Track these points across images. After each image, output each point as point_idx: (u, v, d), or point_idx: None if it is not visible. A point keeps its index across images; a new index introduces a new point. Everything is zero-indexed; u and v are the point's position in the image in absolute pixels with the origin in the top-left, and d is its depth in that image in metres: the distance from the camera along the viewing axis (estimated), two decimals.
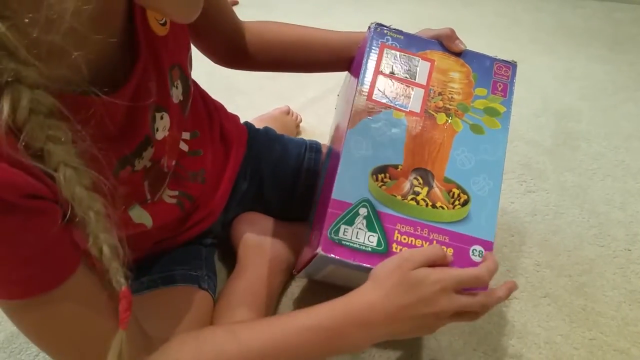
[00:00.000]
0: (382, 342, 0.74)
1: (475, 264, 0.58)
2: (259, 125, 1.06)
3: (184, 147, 0.67)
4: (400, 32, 0.67)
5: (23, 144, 0.36)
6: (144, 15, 0.50)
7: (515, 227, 0.95)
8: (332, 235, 0.57)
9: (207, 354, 0.51)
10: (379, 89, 0.64)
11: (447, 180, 0.61)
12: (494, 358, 0.72)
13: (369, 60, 0.66)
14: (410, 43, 0.67)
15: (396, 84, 0.65)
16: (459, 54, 0.67)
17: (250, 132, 0.88)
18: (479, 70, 0.67)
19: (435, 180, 0.61)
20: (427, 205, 0.60)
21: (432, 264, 0.54)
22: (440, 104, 0.64)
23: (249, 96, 1.43)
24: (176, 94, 0.60)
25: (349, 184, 0.60)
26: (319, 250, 0.57)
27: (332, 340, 0.52)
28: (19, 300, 0.41)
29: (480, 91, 0.66)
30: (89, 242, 0.41)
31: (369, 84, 0.65)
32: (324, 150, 0.88)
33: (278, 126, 1.15)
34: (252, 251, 0.80)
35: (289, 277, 0.82)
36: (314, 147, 0.89)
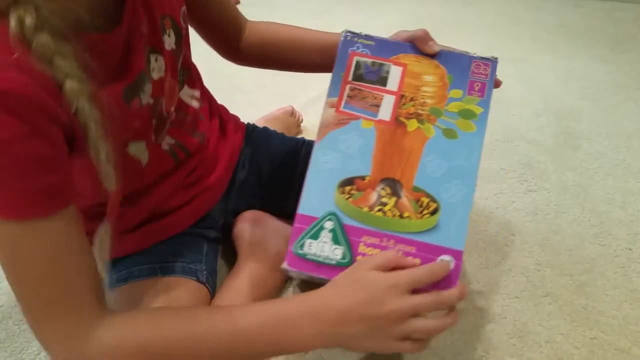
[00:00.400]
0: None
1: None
2: (261, 124, 1.07)
3: (193, 103, 0.76)
4: (371, 37, 0.66)
5: (34, 53, 0.42)
6: None
7: (516, 227, 0.95)
8: (297, 250, 0.59)
9: (167, 331, 0.52)
10: (347, 100, 0.63)
11: (416, 189, 0.60)
12: (494, 357, 0.72)
13: (338, 70, 0.65)
14: (382, 48, 0.65)
15: (365, 92, 0.64)
16: (434, 56, 0.65)
17: (248, 127, 0.91)
18: (455, 70, 0.64)
19: (403, 190, 0.60)
20: (394, 216, 0.59)
21: (390, 267, 0.54)
22: (412, 110, 0.63)
23: (250, 95, 1.43)
24: (169, 42, 0.65)
25: (315, 198, 0.60)
26: (284, 265, 0.59)
27: (283, 329, 0.53)
28: (12, 220, 0.45)
29: (456, 93, 0.64)
30: (89, 148, 0.47)
31: (337, 95, 0.64)
32: None
33: (281, 126, 1.15)
34: (253, 249, 0.81)
35: (289, 276, 0.82)
36: (313, 142, 0.89)
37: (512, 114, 1.29)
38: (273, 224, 0.85)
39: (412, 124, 0.62)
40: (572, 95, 1.39)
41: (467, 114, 0.63)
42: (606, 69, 1.53)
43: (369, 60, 0.65)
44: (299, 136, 1.24)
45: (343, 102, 0.64)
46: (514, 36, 1.77)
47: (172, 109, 0.68)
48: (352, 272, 0.55)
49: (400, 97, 0.63)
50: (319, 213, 0.59)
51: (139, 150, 0.64)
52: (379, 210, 0.59)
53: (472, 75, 0.64)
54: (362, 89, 0.64)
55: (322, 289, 0.55)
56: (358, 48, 0.66)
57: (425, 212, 0.59)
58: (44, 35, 0.42)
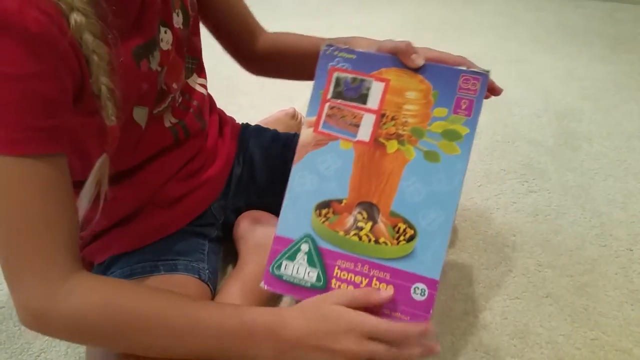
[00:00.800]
0: None
1: (417, 303, 0.56)
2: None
3: (202, 90, 0.79)
4: (351, 51, 0.62)
5: None
6: None
7: (517, 227, 0.95)
8: (274, 271, 0.59)
9: (124, 303, 0.52)
10: (326, 119, 0.61)
11: (393, 214, 0.58)
12: (495, 358, 0.72)
13: (317, 88, 0.62)
14: (363, 62, 0.62)
15: (345, 111, 0.61)
16: (420, 69, 0.61)
17: (242, 125, 0.93)
18: (441, 86, 0.60)
19: (380, 215, 0.59)
20: (369, 240, 0.58)
21: (358, 305, 0.54)
22: (393, 130, 0.60)
23: (250, 96, 1.43)
24: (177, 20, 0.68)
25: (292, 220, 0.60)
26: (262, 284, 0.60)
27: (241, 338, 0.53)
28: (3, 154, 0.46)
29: (440, 112, 0.60)
30: (91, 80, 0.50)
31: (316, 114, 0.62)
32: None
33: (281, 128, 1.15)
34: (253, 249, 0.81)
35: None
36: None
37: (512, 115, 1.29)
38: (274, 223, 0.85)
39: (392, 145, 0.60)
40: (573, 96, 1.39)
41: (451, 135, 0.59)
42: (607, 69, 1.53)
43: (349, 76, 0.62)
44: None
45: (322, 122, 0.62)
46: (515, 36, 1.77)
47: (174, 85, 0.70)
48: (321, 303, 0.55)
49: (381, 116, 0.60)
50: (296, 235, 0.59)
51: (140, 116, 0.65)
52: (355, 234, 0.59)
53: (460, 91, 0.60)
54: (342, 107, 0.61)
55: (288, 310, 0.55)
56: (338, 63, 0.62)
57: (401, 238, 0.58)
58: None
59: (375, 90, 0.61)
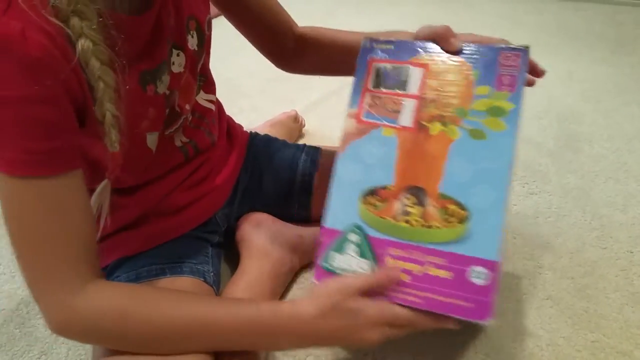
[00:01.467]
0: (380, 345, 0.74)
1: (477, 288, 0.53)
2: (265, 129, 1.07)
3: (211, 106, 0.78)
4: (389, 41, 0.63)
5: (59, 12, 0.45)
6: None
7: (517, 229, 0.95)
8: (324, 264, 0.58)
9: (140, 311, 0.54)
10: (367, 108, 0.62)
11: (443, 197, 0.57)
12: None
13: (357, 80, 0.63)
14: (401, 50, 0.62)
15: (385, 99, 0.61)
16: (458, 52, 0.61)
17: (251, 134, 0.92)
18: (481, 65, 0.60)
19: (428, 198, 0.57)
20: (420, 225, 0.56)
21: (370, 289, 0.55)
22: (435, 112, 0.59)
23: (252, 99, 1.44)
24: (192, 42, 0.67)
25: (339, 211, 0.59)
26: (313, 280, 0.58)
27: (261, 336, 0.56)
28: (16, 176, 0.47)
29: (482, 90, 0.59)
30: (95, 109, 0.50)
31: (357, 104, 0.62)
32: (329, 151, 0.89)
33: (284, 131, 1.16)
34: (255, 252, 0.81)
35: (292, 279, 0.82)
36: (313, 147, 0.91)
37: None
38: (276, 226, 0.85)
39: (435, 127, 0.59)
40: (574, 98, 1.39)
41: (496, 112, 0.58)
42: (607, 71, 1.53)
43: (388, 65, 0.62)
44: (301, 140, 1.25)
45: (363, 112, 0.62)
46: (515, 39, 1.76)
47: (187, 106, 0.70)
48: (335, 295, 0.54)
49: (422, 100, 0.60)
50: (344, 226, 0.58)
51: (152, 141, 0.65)
52: (404, 220, 0.57)
53: (501, 68, 0.59)
54: (382, 95, 0.62)
55: (301, 303, 0.55)
56: (377, 54, 0.63)
57: (453, 220, 0.55)
58: None
59: (415, 76, 0.61)
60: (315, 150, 0.90)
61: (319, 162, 0.87)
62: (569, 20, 1.94)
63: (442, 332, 0.75)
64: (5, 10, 0.43)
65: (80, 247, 0.52)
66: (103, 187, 0.56)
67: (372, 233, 0.57)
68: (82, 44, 0.47)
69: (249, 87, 1.47)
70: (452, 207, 0.56)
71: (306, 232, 0.85)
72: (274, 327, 0.55)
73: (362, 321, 0.53)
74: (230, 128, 0.87)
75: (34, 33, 0.44)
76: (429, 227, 0.56)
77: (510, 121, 0.58)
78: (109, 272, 0.71)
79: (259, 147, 0.90)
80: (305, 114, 1.29)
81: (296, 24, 0.83)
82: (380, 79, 0.62)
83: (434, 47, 0.62)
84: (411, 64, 0.62)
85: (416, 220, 0.56)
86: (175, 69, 0.65)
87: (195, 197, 0.77)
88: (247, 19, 0.78)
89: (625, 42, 1.74)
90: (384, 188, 0.58)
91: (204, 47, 0.71)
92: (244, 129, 0.93)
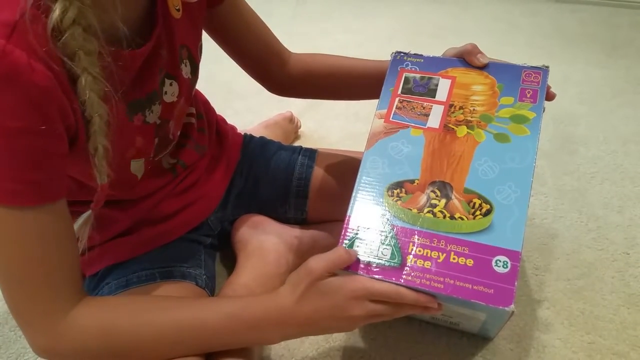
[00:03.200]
0: (379, 346, 0.74)
1: (499, 276, 0.55)
2: (261, 130, 1.07)
3: (191, 120, 0.77)
4: (419, 55, 0.68)
5: (61, 45, 0.45)
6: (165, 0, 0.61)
7: None
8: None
9: (125, 324, 0.55)
10: (396, 111, 0.65)
11: (468, 191, 0.60)
12: None
13: (387, 86, 0.67)
14: (430, 64, 0.67)
15: (414, 103, 0.65)
16: (483, 68, 0.66)
17: (246, 137, 0.91)
18: (505, 79, 0.65)
19: (454, 192, 0.60)
20: (444, 216, 0.59)
21: (337, 267, 0.57)
22: (461, 117, 0.64)
23: (247, 101, 1.43)
24: (185, 70, 0.68)
25: (365, 201, 0.61)
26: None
27: (248, 331, 0.57)
28: (3, 204, 0.47)
29: (507, 100, 0.64)
30: (89, 142, 0.50)
31: (387, 106, 0.66)
32: (325, 153, 0.89)
33: (279, 132, 1.15)
34: (252, 253, 0.81)
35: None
36: (309, 149, 0.91)
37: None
38: (272, 227, 0.85)
39: (462, 130, 0.63)
40: (569, 100, 1.40)
41: (519, 119, 0.63)
42: (603, 73, 1.54)
43: (418, 75, 0.67)
44: (297, 142, 1.25)
45: (392, 113, 0.65)
46: (511, 41, 1.77)
47: (177, 133, 0.71)
48: (307, 278, 0.56)
49: (449, 106, 0.64)
50: (368, 215, 0.60)
51: (137, 168, 0.66)
52: (429, 211, 0.59)
53: (523, 83, 0.65)
54: (411, 100, 0.66)
55: (279, 293, 0.58)
56: (407, 65, 0.68)
57: (477, 213, 0.58)
58: (78, 28, 0.45)
59: (443, 86, 0.66)
60: (311, 153, 0.89)
61: (316, 165, 0.87)
62: (565, 22, 1.94)
63: (439, 334, 0.75)
64: (10, 36, 0.42)
65: (63, 272, 0.52)
66: (86, 218, 0.57)
67: (395, 222, 0.59)
68: (85, 79, 0.47)
69: (244, 89, 1.47)
70: (477, 200, 0.59)
71: (303, 233, 0.84)
72: (258, 320, 0.57)
73: (342, 297, 0.55)
74: (220, 130, 0.87)
75: (39, 64, 0.44)
76: (454, 218, 0.58)
77: (533, 128, 0.62)
78: (99, 279, 0.71)
79: (255, 151, 0.89)
80: (301, 116, 1.29)
81: (289, 53, 0.83)
82: (410, 86, 0.67)
83: (461, 62, 0.67)
84: (441, 75, 0.67)
85: (441, 212, 0.59)
86: (168, 98, 0.65)
87: (184, 204, 0.76)
88: (237, 48, 0.79)
89: (621, 44, 1.74)
90: (410, 182, 0.61)
91: (196, 73, 0.72)
92: (239, 131, 0.93)
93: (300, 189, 0.86)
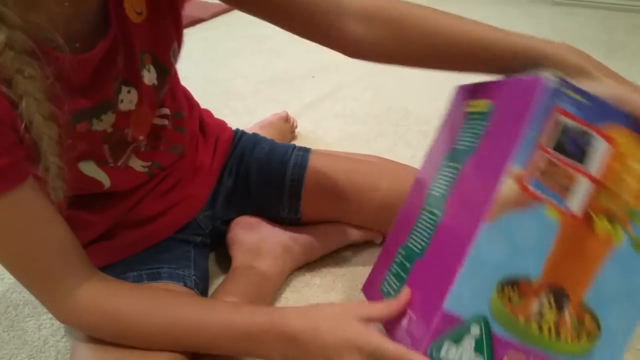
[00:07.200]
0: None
1: None
2: (256, 130, 1.06)
3: (164, 122, 0.72)
4: (586, 94, 0.48)
5: None
6: (120, 2, 0.57)
7: None
8: (433, 353, 0.49)
9: (139, 306, 0.57)
10: (537, 175, 0.48)
11: (583, 307, 0.49)
12: None
13: (531, 127, 0.47)
14: (595, 111, 0.48)
15: (560, 168, 0.48)
16: None
17: (237, 133, 0.89)
18: None
19: (569, 304, 0.50)
20: (550, 333, 0.49)
21: (376, 320, 0.53)
22: (606, 204, 0.49)
23: (244, 101, 1.43)
24: (148, 77, 0.64)
25: (468, 294, 0.48)
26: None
27: (248, 342, 0.56)
28: None
29: None
30: (40, 161, 0.48)
31: (526, 164, 0.47)
32: (319, 153, 0.88)
33: (275, 132, 1.15)
34: (247, 255, 0.80)
35: (283, 282, 0.82)
36: (303, 148, 0.88)
37: None
38: (268, 229, 0.84)
39: (603, 225, 0.49)
40: None
41: None
42: None
43: (576, 126, 0.48)
44: (293, 142, 1.24)
45: (532, 178, 0.48)
46: None
47: (141, 137, 0.67)
48: (338, 318, 0.53)
49: (598, 185, 0.49)
50: (468, 314, 0.48)
51: (90, 170, 0.63)
52: (536, 323, 0.49)
53: None
54: (556, 162, 0.48)
55: (293, 315, 0.55)
56: (565, 103, 0.48)
57: (583, 335, 0.50)
58: (11, 52, 0.43)
59: (598, 150, 0.49)
60: (305, 153, 0.86)
61: (309, 165, 0.85)
62: (562, 25, 1.95)
63: None
64: None
65: (59, 250, 0.54)
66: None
67: (496, 329, 0.48)
68: (26, 102, 0.45)
69: (242, 89, 1.46)
70: (588, 321, 0.50)
71: (298, 235, 0.84)
72: (266, 337, 0.55)
73: (346, 344, 0.51)
74: (204, 126, 0.83)
75: None
76: (559, 337, 0.50)
77: None
78: None
79: (246, 148, 0.87)
80: (297, 116, 1.29)
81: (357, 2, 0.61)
82: (562, 139, 0.48)
83: (626, 119, 0.50)
84: (599, 133, 0.49)
85: (548, 327, 0.50)
86: (124, 106, 0.62)
87: (166, 206, 0.74)
88: (277, 15, 0.63)
89: (617, 47, 1.75)
90: (527, 280, 0.49)
91: (167, 78, 0.67)
92: (227, 127, 0.89)
93: (294, 190, 0.84)
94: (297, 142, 1.24)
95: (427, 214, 0.57)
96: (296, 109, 1.33)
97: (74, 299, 0.54)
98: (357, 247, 0.88)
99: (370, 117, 1.34)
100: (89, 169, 0.63)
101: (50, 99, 0.47)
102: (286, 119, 1.23)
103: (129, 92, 0.62)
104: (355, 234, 0.87)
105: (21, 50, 0.44)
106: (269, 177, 0.85)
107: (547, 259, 0.49)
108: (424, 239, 0.55)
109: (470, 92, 0.60)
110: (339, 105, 1.40)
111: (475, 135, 0.54)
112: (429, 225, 0.55)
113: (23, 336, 0.76)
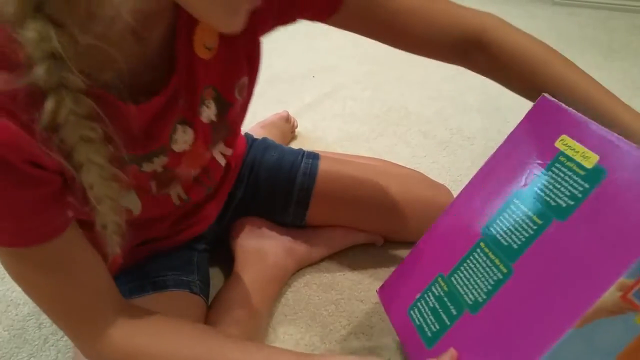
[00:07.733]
0: (379, 349, 0.73)
1: None
2: (257, 130, 1.06)
3: (221, 160, 0.69)
4: None
5: (57, 141, 0.40)
6: (189, 37, 0.52)
7: None
8: None
9: (168, 346, 0.55)
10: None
11: None
12: None
13: None
14: None
15: None
16: None
17: (248, 141, 0.88)
18: None
19: None
20: None
21: None
22: None
23: None
24: (207, 114, 0.59)
25: None
26: None
27: None
28: (13, 247, 0.47)
29: None
30: (97, 219, 0.46)
31: (637, 275, 0.42)
32: (327, 161, 0.86)
33: (276, 132, 1.15)
34: (250, 257, 0.80)
35: (285, 284, 0.82)
36: (312, 154, 0.87)
37: (506, 121, 1.30)
38: (271, 231, 0.84)
39: None
40: None
41: None
42: (600, 76, 1.52)
43: None
44: (294, 142, 1.24)
45: (636, 289, 0.44)
46: None
47: (193, 171, 0.64)
48: None
49: None
50: None
51: (130, 200, 0.60)
52: None
53: None
54: None
55: None
56: None
57: None
58: (73, 118, 0.40)
59: None
60: (314, 160, 0.85)
61: (319, 174, 0.84)
62: (562, 25, 1.95)
63: None
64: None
65: (94, 292, 0.53)
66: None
67: None
68: (88, 169, 0.42)
69: None
70: None
71: (300, 237, 0.84)
72: None
73: None
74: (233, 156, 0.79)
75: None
76: None
77: None
78: None
79: (256, 156, 0.85)
80: (298, 116, 1.29)
81: (493, 31, 0.67)
82: None
83: None
84: None
85: None
86: (179, 147, 0.57)
87: (181, 228, 0.73)
88: (401, 40, 0.67)
89: (618, 47, 1.75)
90: None
91: (227, 115, 0.61)
92: (242, 138, 0.87)
93: (302, 200, 0.84)
94: (297, 142, 1.24)
95: (485, 257, 0.53)
96: (296, 108, 1.33)
97: (105, 340, 0.53)
98: (358, 248, 0.88)
99: (370, 117, 1.34)
100: (129, 199, 0.59)
101: (111, 160, 0.44)
102: (287, 119, 1.23)
103: (184, 131, 0.57)
104: (357, 236, 0.87)
105: (86, 114, 0.41)
106: (277, 185, 0.84)
107: (618, 356, 0.46)
108: (481, 293, 0.51)
109: (569, 124, 0.54)
110: (339, 105, 1.40)
111: (571, 196, 0.49)
112: (488, 276, 0.52)
113: (23, 335, 0.76)
